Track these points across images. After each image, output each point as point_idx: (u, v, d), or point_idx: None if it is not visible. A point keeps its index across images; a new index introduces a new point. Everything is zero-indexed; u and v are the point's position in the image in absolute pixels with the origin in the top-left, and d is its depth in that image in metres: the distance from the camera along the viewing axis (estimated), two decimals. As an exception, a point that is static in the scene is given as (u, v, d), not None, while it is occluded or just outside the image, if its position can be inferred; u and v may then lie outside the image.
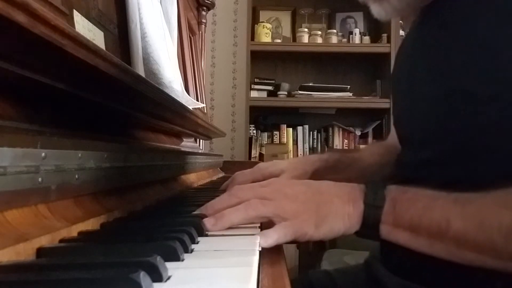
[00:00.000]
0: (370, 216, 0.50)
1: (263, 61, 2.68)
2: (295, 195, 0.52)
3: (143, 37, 0.78)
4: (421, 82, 0.62)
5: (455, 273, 0.52)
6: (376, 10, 0.66)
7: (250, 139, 2.56)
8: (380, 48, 2.51)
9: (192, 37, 1.46)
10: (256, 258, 0.37)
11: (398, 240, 0.49)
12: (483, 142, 0.50)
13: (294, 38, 2.66)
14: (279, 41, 2.61)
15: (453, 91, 0.54)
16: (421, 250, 0.48)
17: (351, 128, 2.66)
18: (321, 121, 2.70)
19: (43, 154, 0.37)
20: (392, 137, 0.87)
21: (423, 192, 0.49)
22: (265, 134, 2.64)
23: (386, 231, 0.49)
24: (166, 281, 0.30)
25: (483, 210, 0.44)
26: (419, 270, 0.57)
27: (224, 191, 0.71)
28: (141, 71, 0.77)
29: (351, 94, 2.54)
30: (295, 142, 2.63)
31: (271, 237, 0.47)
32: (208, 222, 0.49)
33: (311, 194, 0.52)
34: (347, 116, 2.68)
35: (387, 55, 2.47)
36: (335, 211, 0.50)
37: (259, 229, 0.50)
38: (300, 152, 2.62)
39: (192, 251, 0.40)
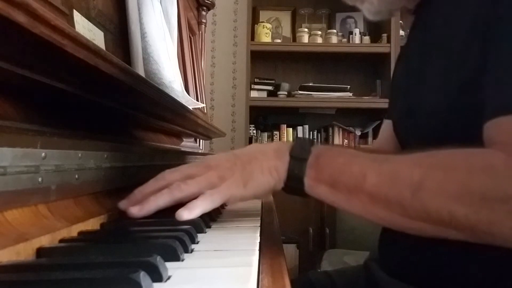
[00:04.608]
0: (295, 168, 0.50)
1: (263, 61, 2.68)
2: (218, 165, 0.52)
3: (143, 37, 0.78)
4: (414, 85, 0.62)
5: (452, 276, 0.52)
6: (366, 8, 0.66)
7: (250, 139, 2.56)
8: (380, 48, 2.51)
9: (192, 37, 1.46)
10: (256, 258, 0.37)
11: (319, 195, 0.49)
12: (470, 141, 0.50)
13: (294, 38, 2.66)
14: (279, 41, 2.61)
15: (437, 94, 0.54)
16: (341, 206, 0.49)
17: (351, 128, 2.66)
18: (321, 121, 2.70)
19: (43, 154, 0.37)
20: (379, 143, 0.87)
21: (347, 150, 0.51)
22: (265, 134, 2.64)
23: (309, 185, 0.49)
24: (166, 281, 0.30)
25: (398, 168, 0.45)
26: (417, 273, 0.57)
27: None
28: (141, 71, 0.77)
29: (351, 94, 2.54)
30: (295, 142, 2.63)
31: (196, 208, 0.48)
32: (133, 209, 0.49)
33: (234, 158, 0.53)
34: (347, 116, 2.68)
35: (387, 55, 2.47)
36: (261, 166, 0.51)
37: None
38: (300, 152, 2.62)
39: (192, 251, 0.40)
